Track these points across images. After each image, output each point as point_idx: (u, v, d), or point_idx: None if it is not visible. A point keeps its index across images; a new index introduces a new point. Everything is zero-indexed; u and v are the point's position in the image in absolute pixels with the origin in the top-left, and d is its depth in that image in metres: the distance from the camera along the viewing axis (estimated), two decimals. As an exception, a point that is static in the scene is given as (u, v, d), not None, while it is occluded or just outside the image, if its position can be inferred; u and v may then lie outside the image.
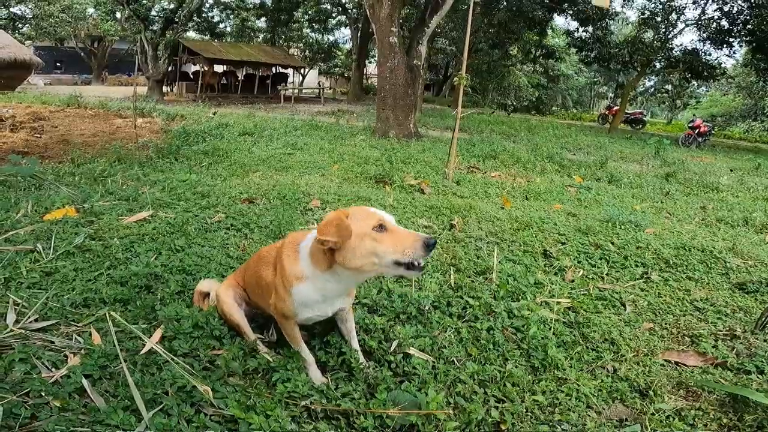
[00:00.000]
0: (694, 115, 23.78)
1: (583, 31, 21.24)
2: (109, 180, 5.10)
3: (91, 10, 29.49)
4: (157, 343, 2.07)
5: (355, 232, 1.67)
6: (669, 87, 32.81)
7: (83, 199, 4.13)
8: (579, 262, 3.62)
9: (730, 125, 33.42)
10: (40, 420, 1.67)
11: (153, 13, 21.41)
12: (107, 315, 2.14)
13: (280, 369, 1.99)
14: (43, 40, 30.57)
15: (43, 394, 1.78)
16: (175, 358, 1.97)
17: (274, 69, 27.25)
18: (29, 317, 2.27)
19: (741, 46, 20.90)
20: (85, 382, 1.84)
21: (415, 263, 1.65)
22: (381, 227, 1.67)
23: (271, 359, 2.06)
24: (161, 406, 1.74)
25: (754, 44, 18.63)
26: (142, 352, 2.03)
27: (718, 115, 34.12)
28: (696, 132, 17.11)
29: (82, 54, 32.74)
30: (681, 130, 23.21)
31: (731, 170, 10.48)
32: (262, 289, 2.10)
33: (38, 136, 8.49)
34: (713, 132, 19.45)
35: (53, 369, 1.95)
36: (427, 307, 2.63)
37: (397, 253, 1.63)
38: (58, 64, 34.69)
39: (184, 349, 2.09)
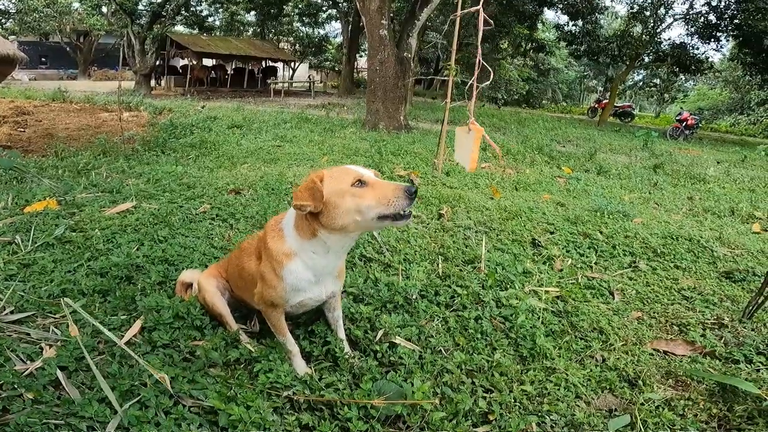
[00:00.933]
0: (681, 108, 23.90)
1: (572, 25, 21.27)
2: (93, 172, 5.00)
3: (76, 5, 28.84)
4: (136, 334, 2.02)
5: (335, 191, 1.64)
6: (657, 81, 33.10)
7: (65, 191, 4.05)
8: (567, 251, 3.60)
9: (717, 118, 33.84)
10: (13, 413, 1.62)
11: (140, 7, 21.04)
12: (62, 303, 2.08)
13: (262, 359, 1.95)
14: (27, 35, 29.88)
15: (16, 386, 1.72)
16: (150, 354, 1.92)
17: (264, 63, 27.05)
18: (4, 309, 2.21)
19: (728, 40, 21.12)
20: (59, 374, 1.78)
21: (402, 212, 1.63)
22: (360, 182, 1.64)
23: (253, 349, 2.02)
24: (138, 398, 1.70)
25: (740, 39, 18.76)
26: (120, 343, 1.97)
27: (706, 109, 34.54)
28: (683, 125, 17.24)
29: (68, 49, 32.05)
30: (669, 123, 23.34)
31: (718, 162, 10.54)
32: (246, 281, 2.04)
33: (22, 130, 8.33)
34: (700, 125, 19.60)
35: (28, 361, 1.89)
36: (414, 296, 2.58)
37: (381, 206, 1.61)
38: (43, 59, 34.07)
39: (164, 340, 2.04)
